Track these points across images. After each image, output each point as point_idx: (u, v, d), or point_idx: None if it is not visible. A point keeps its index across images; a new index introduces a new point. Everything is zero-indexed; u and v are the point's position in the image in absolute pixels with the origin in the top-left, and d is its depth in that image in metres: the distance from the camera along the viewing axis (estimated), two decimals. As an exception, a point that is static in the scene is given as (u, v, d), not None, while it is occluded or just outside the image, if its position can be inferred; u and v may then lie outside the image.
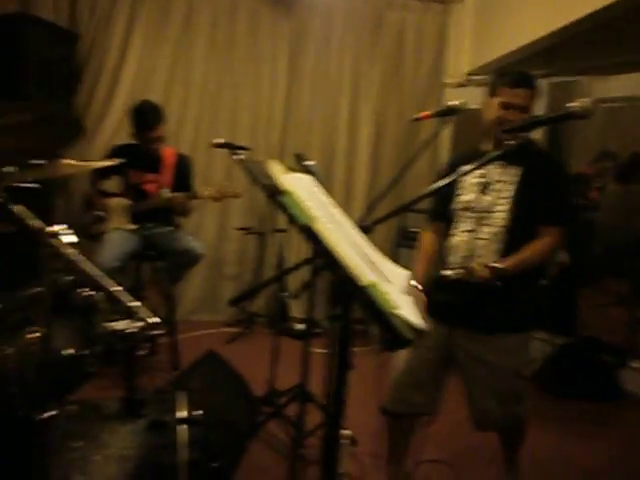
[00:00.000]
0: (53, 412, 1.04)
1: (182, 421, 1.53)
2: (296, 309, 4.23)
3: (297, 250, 4.35)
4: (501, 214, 1.82)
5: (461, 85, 4.31)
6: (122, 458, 1.45)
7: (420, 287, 1.89)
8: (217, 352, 2.54)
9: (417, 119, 1.83)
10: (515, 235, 1.81)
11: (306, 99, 4.34)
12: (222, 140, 2.89)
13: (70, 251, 0.97)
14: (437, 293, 1.95)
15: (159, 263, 3.20)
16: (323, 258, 0.80)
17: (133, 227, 3.08)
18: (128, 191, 3.15)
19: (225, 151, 2.96)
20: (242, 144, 3.16)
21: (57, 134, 1.13)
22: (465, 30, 4.33)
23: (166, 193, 3.03)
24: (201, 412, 1.58)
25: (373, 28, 4.32)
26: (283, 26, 4.26)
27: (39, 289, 1.31)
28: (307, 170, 2.10)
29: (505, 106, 1.79)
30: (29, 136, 1.07)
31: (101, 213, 3.07)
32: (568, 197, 1.90)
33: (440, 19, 4.35)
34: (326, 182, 4.60)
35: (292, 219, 0.78)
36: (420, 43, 4.37)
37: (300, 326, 3.79)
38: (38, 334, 1.24)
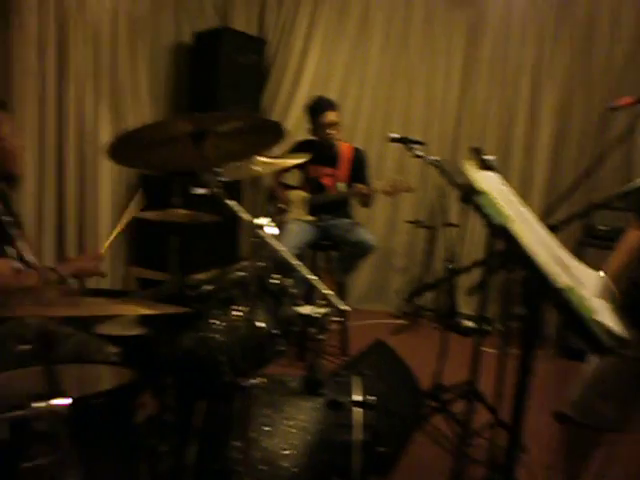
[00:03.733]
0: (254, 381, 1.19)
1: (357, 404, 1.62)
2: (464, 305, 4.14)
3: (470, 245, 4.24)
4: None
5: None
6: (303, 430, 1.59)
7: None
8: (385, 342, 2.60)
9: (614, 108, 1.66)
10: None
11: (482, 90, 4.18)
12: (397, 135, 2.94)
13: (272, 241, 1.09)
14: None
15: (333, 253, 3.37)
16: (517, 259, 0.79)
17: (311, 218, 3.29)
18: (307, 184, 3.36)
19: (397, 145, 2.99)
20: (416, 138, 3.18)
21: (263, 140, 1.27)
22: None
23: (342, 187, 3.18)
24: (374, 398, 1.66)
25: (559, 10, 3.96)
26: (459, 16, 4.15)
27: (242, 273, 1.50)
28: (487, 166, 2.04)
29: None
30: (241, 140, 1.23)
31: (282, 205, 3.34)
32: None
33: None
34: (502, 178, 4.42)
35: (487, 219, 0.78)
36: (616, 26, 3.85)
37: (468, 323, 3.71)
38: (242, 312, 1.42)
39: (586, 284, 0.96)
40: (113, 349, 1.57)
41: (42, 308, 1.02)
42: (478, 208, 0.79)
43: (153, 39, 3.89)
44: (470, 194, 0.78)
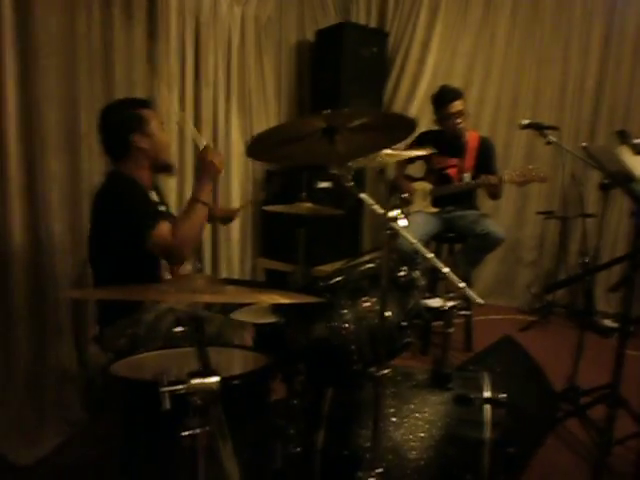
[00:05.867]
0: (386, 371, 1.21)
1: (487, 400, 1.57)
2: (602, 303, 3.83)
3: (609, 237, 3.91)
4: None
5: None
6: (430, 423, 1.58)
7: None
8: (514, 338, 2.49)
9: None
10: None
11: (627, 67, 3.80)
12: (528, 121, 2.77)
13: (404, 233, 1.10)
14: None
15: (457, 245, 3.29)
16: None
17: (434, 210, 3.24)
18: (431, 175, 3.30)
19: (525, 132, 2.83)
20: (548, 123, 2.98)
21: (393, 134, 1.28)
22: None
23: (467, 177, 3.09)
24: (505, 395, 1.60)
25: None
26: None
27: (372, 264, 1.53)
28: (637, 150, 1.86)
29: None
30: (372, 135, 1.25)
31: (406, 196, 3.31)
32: None
33: None
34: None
35: (644, 208, 0.72)
36: None
37: (609, 322, 3.42)
38: (370, 303, 1.45)
39: None
40: (249, 331, 1.69)
41: (189, 295, 1.12)
42: (634, 196, 0.73)
43: (278, 40, 4.05)
44: (626, 181, 0.72)
